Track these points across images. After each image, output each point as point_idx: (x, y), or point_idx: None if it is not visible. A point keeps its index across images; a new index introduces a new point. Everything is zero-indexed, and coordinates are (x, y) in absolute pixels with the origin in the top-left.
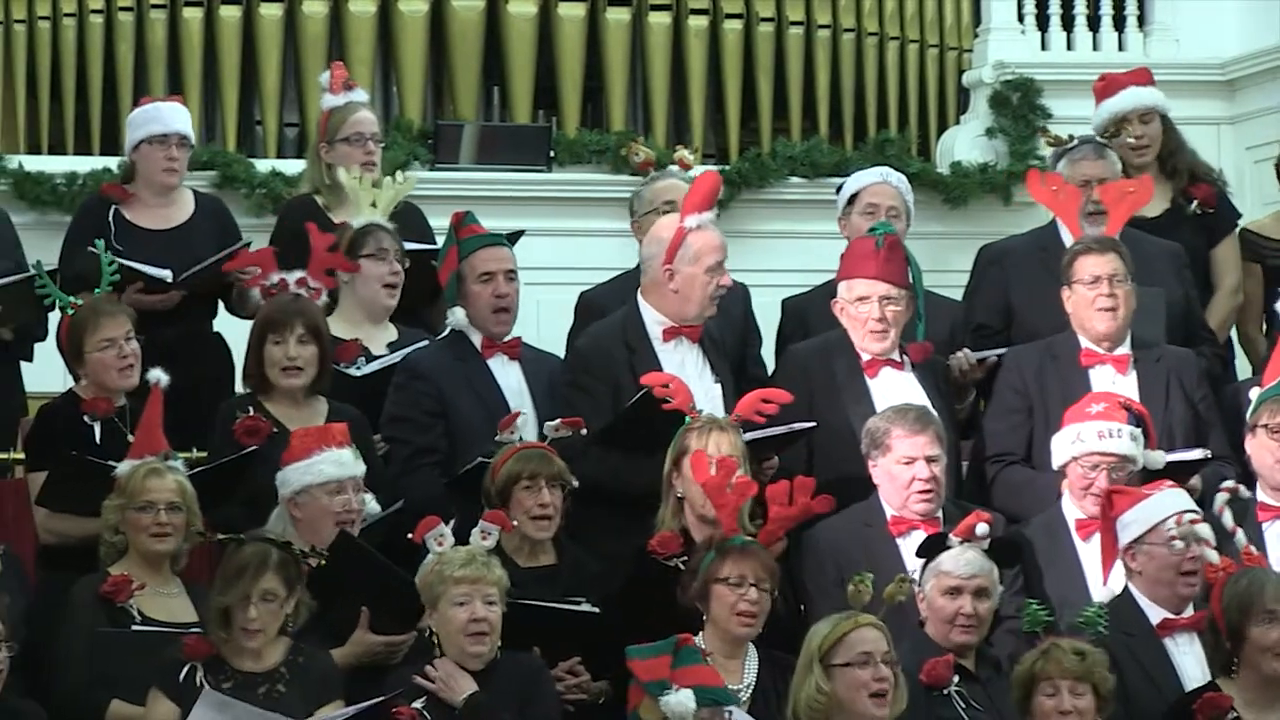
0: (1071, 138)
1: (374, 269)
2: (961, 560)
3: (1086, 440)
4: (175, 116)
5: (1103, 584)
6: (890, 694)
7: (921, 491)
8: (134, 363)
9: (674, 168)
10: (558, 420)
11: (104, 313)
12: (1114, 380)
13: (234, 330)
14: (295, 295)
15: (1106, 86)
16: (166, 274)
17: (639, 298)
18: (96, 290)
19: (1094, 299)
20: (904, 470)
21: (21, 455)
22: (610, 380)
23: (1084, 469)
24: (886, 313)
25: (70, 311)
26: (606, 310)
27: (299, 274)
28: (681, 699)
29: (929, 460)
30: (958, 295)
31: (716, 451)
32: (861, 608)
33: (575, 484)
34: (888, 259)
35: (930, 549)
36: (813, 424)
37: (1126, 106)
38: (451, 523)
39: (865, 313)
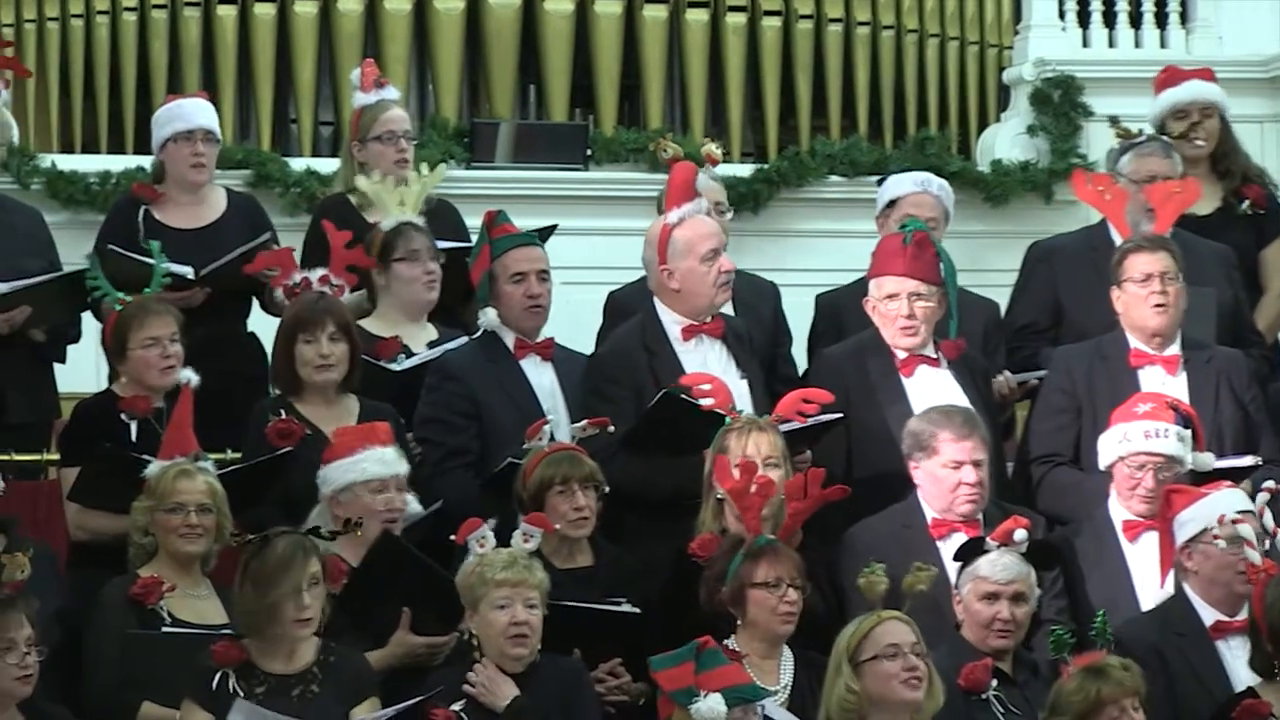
0: (1141, 132)
1: (407, 271)
2: (999, 565)
3: (1133, 440)
4: (198, 112)
5: (1159, 587)
6: (924, 684)
7: (968, 496)
8: (176, 364)
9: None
10: (584, 421)
11: (152, 311)
12: (1163, 381)
13: (269, 329)
14: (320, 294)
15: (1170, 78)
16: (188, 270)
17: (654, 301)
18: (146, 290)
19: (1146, 296)
20: (950, 474)
21: (55, 456)
22: (632, 385)
23: (1130, 469)
24: (916, 309)
25: (118, 308)
26: (634, 308)
27: (321, 272)
28: (712, 704)
29: (975, 464)
30: (998, 294)
31: (756, 452)
32: (878, 600)
33: (607, 486)
34: (916, 255)
35: (968, 553)
36: (840, 415)
37: (1187, 98)
38: (492, 523)
39: (895, 310)
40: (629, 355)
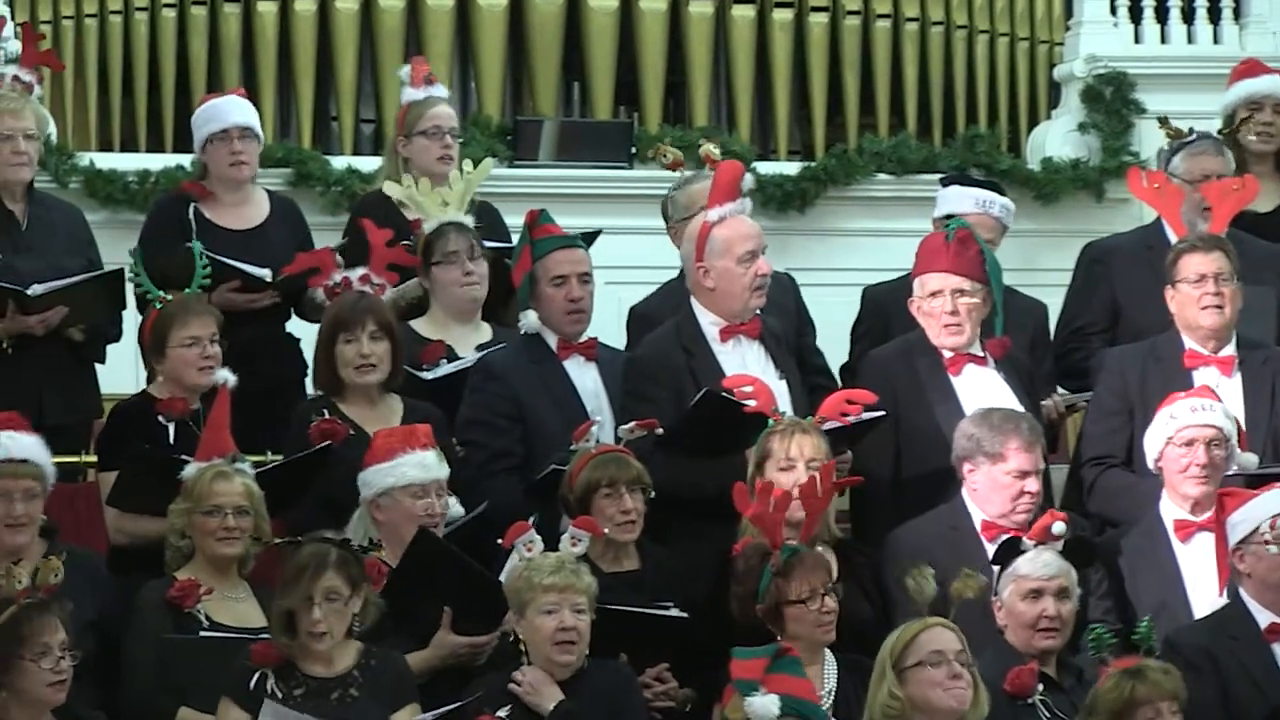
0: (1191, 130)
1: (446, 274)
2: (1039, 562)
3: (1179, 416)
4: (233, 109)
5: (1218, 594)
6: (968, 692)
7: (1029, 505)
8: (215, 364)
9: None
10: (632, 423)
11: (192, 310)
12: (1218, 382)
13: (308, 332)
14: (360, 293)
15: (1249, 69)
16: (266, 273)
17: (691, 302)
18: (187, 289)
19: (1199, 297)
20: (1015, 483)
21: (93, 458)
22: (671, 386)
23: (1180, 448)
24: (960, 306)
25: (158, 305)
26: (658, 321)
27: (361, 271)
28: (765, 703)
29: (1037, 474)
30: (1049, 294)
31: (800, 454)
32: (925, 602)
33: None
34: (959, 253)
35: (1005, 554)
36: (882, 413)
37: (1263, 91)
38: (532, 518)
39: (939, 307)
40: (667, 356)
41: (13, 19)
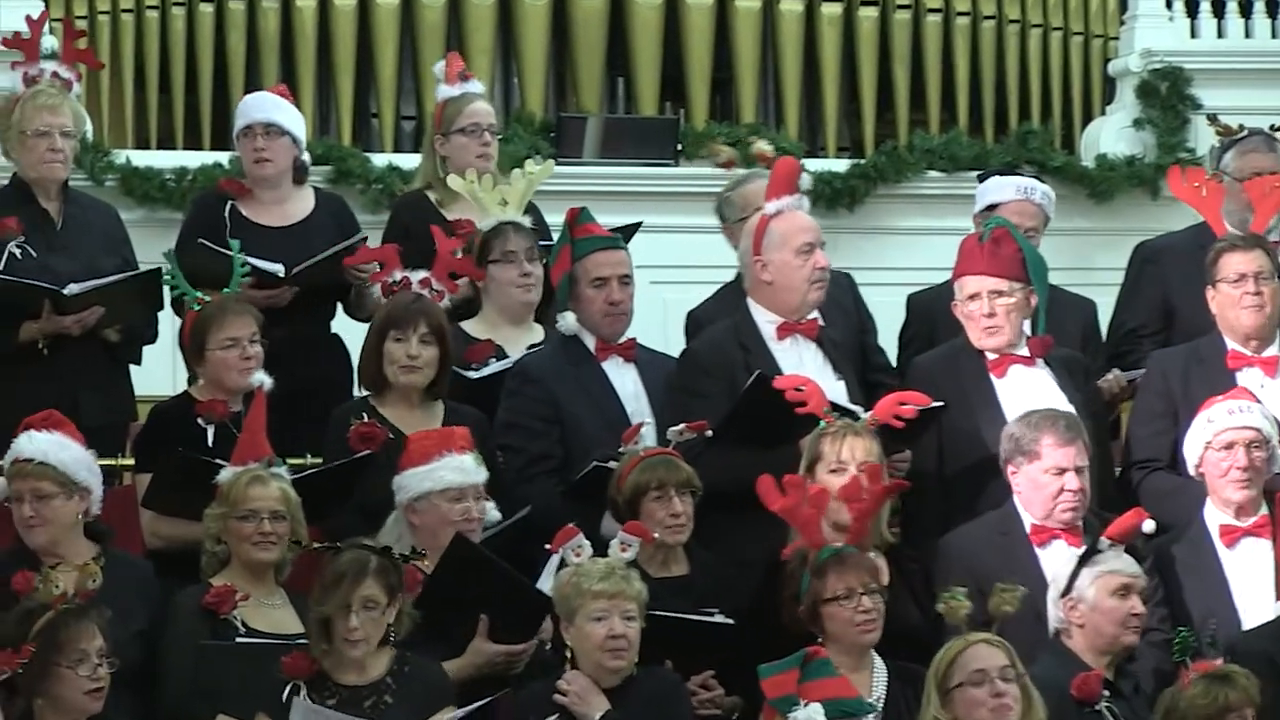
0: (1242, 127)
1: (503, 274)
2: (1125, 559)
3: (1216, 420)
4: (256, 106)
5: (1276, 597)
6: (1014, 709)
7: (1070, 503)
8: (255, 366)
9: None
10: (682, 425)
11: (231, 311)
12: (1262, 383)
13: (354, 332)
14: (417, 295)
15: None
16: (278, 268)
17: (748, 300)
18: (225, 289)
19: (1239, 297)
20: (1052, 480)
21: (130, 461)
22: (726, 381)
23: (1219, 452)
24: (997, 308)
25: (196, 307)
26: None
27: (423, 274)
28: (810, 714)
29: (1077, 471)
30: (1103, 294)
31: (851, 457)
32: (962, 624)
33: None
34: (994, 253)
35: (1088, 555)
36: (940, 404)
37: None
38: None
39: (976, 310)
40: (723, 350)
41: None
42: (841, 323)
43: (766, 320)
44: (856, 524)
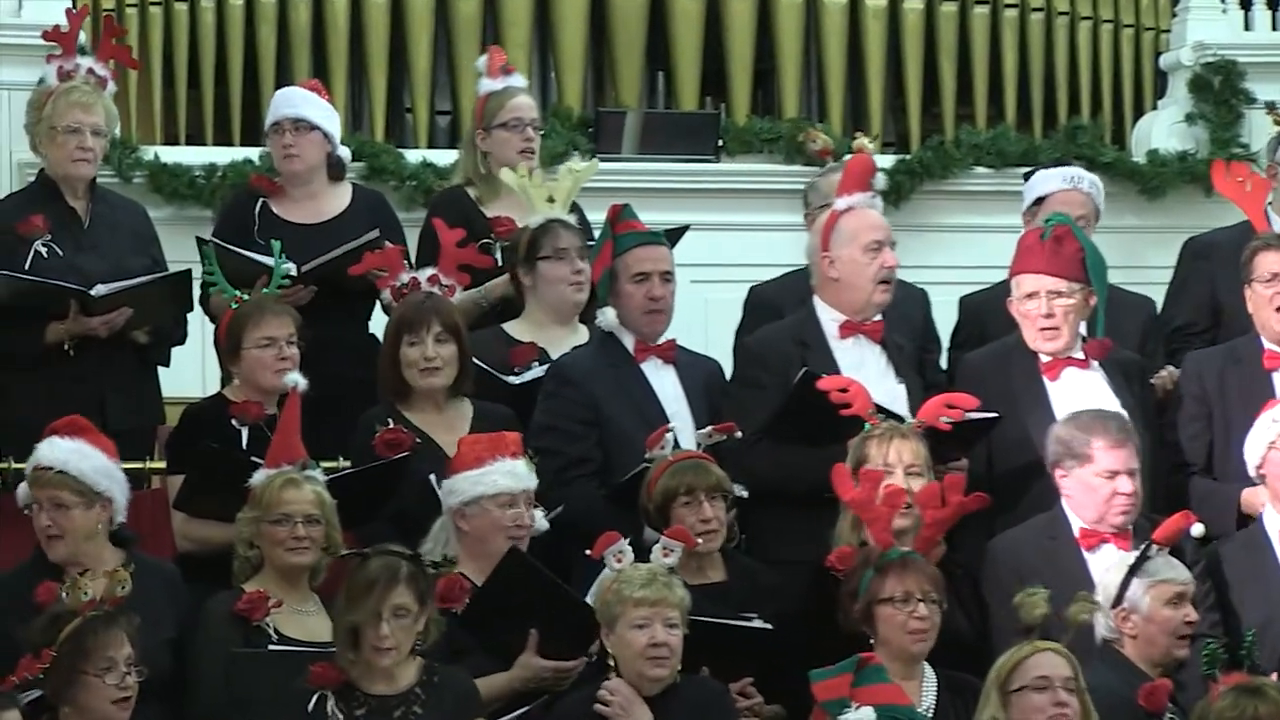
0: None
1: (554, 271)
2: (1176, 566)
3: None
4: (285, 102)
5: None
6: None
7: (1123, 507)
8: (291, 366)
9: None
10: (709, 427)
11: (269, 310)
12: None
13: None
14: (427, 294)
15: None
16: (291, 267)
17: (814, 298)
18: (265, 290)
19: (1270, 297)
20: (1104, 484)
21: (159, 465)
22: (781, 375)
23: None
24: (1055, 308)
25: (234, 305)
26: (777, 305)
27: (430, 271)
28: (861, 717)
29: (1130, 474)
30: (1155, 293)
31: (898, 460)
32: (1034, 624)
33: (738, 493)
34: (1055, 251)
35: (1141, 559)
36: (996, 415)
37: None
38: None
39: (1033, 309)
40: (780, 345)
41: (75, 7)
42: (908, 336)
43: (830, 318)
44: (928, 531)
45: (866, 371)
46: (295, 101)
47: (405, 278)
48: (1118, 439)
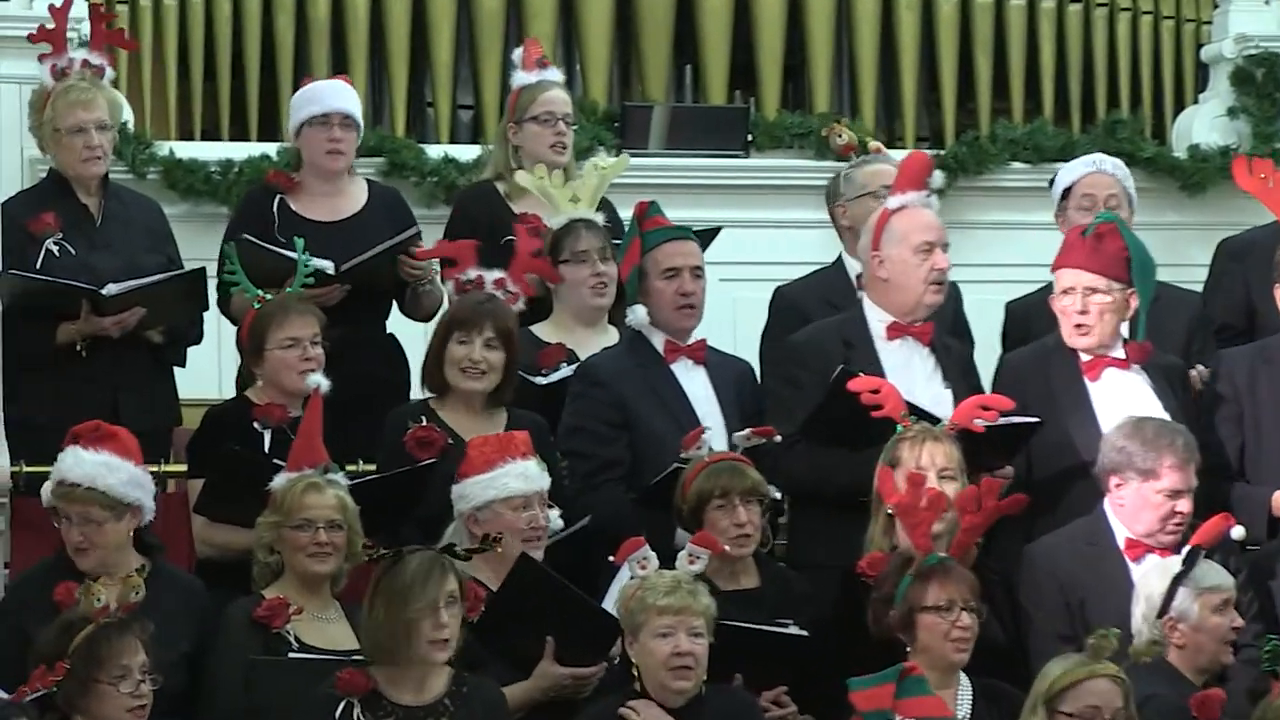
0: None
1: (574, 273)
2: (1221, 572)
3: None
4: (337, 95)
5: None
6: None
7: (1178, 526)
8: (316, 367)
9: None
10: (748, 430)
11: (293, 310)
12: None
13: (410, 332)
14: (489, 296)
15: None
16: (328, 265)
17: (863, 296)
18: (289, 289)
19: None
20: (1166, 502)
21: (174, 468)
22: (823, 374)
23: None
24: (1090, 306)
25: (256, 305)
26: (804, 307)
27: (498, 274)
28: None
29: (1190, 493)
30: (1196, 290)
31: (931, 463)
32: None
33: (775, 496)
34: (1095, 248)
35: (1188, 566)
36: (1037, 420)
37: None
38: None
39: (1069, 305)
40: (824, 344)
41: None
42: (960, 344)
43: (878, 318)
44: (964, 536)
45: (912, 374)
46: (346, 96)
47: (472, 273)
48: (1184, 456)
